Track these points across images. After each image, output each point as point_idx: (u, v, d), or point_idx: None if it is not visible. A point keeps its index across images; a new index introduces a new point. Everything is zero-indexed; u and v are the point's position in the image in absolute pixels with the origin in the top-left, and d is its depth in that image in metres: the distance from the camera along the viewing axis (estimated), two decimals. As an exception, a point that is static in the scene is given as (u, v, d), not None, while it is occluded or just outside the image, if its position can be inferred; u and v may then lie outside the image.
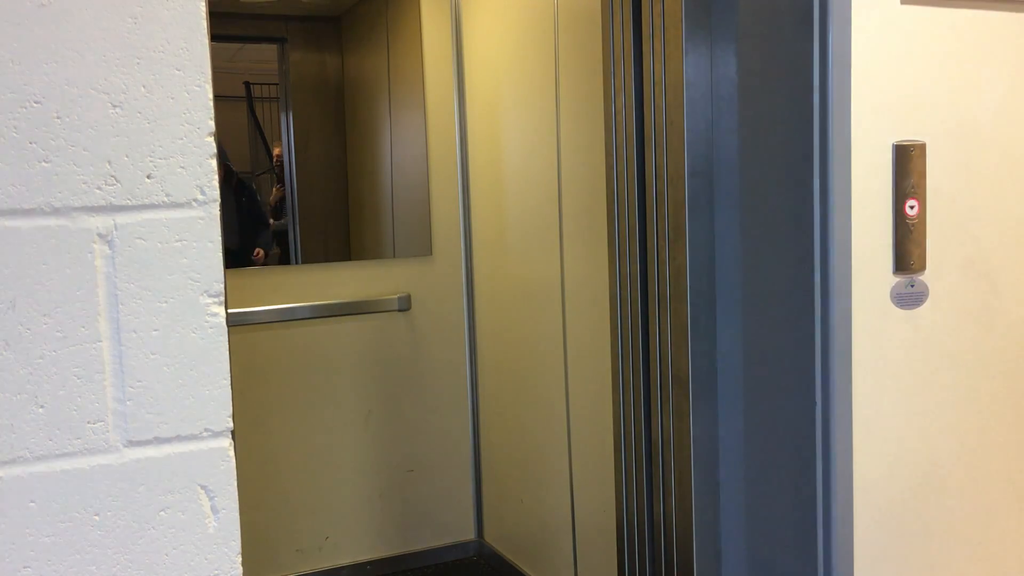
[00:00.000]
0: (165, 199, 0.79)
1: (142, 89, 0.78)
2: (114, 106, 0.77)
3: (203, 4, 0.80)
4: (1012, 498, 1.82)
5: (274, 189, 3.43)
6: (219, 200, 0.82)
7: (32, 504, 0.77)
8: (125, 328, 0.79)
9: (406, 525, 3.18)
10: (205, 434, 0.82)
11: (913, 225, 1.67)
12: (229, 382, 0.83)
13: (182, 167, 0.80)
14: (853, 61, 1.60)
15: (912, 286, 1.69)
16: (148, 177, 0.79)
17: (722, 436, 1.90)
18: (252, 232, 3.32)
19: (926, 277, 1.70)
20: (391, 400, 3.17)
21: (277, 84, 4.32)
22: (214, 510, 0.83)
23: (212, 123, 0.81)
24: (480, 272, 3.23)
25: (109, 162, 0.78)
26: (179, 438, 0.81)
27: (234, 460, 0.84)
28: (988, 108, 1.72)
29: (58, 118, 0.76)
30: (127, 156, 0.78)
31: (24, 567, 0.78)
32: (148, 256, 0.79)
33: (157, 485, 0.81)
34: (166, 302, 0.80)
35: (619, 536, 2.23)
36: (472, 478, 3.37)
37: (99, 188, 0.77)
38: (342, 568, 2.75)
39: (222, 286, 0.82)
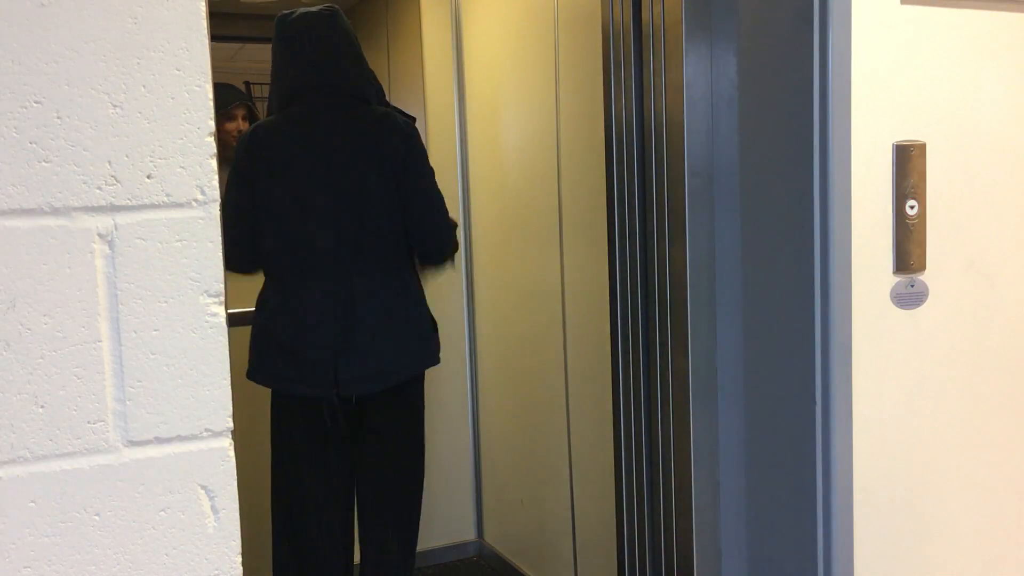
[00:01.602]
0: (165, 199, 0.79)
1: (142, 89, 0.78)
2: (114, 106, 0.77)
3: (203, 4, 0.80)
4: (1012, 498, 1.82)
5: None
6: (219, 200, 0.82)
7: (32, 504, 0.77)
8: (125, 328, 0.79)
9: (406, 525, 3.17)
10: (205, 434, 0.82)
11: (913, 225, 1.67)
12: (229, 382, 0.83)
13: (182, 167, 0.80)
14: (853, 61, 1.60)
15: (912, 286, 1.69)
16: (148, 177, 0.79)
17: (722, 436, 1.90)
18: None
19: (926, 277, 1.70)
20: (391, 400, 3.16)
21: (277, 84, 4.32)
22: (214, 510, 0.83)
23: (212, 123, 0.81)
24: (480, 272, 3.23)
25: (109, 162, 0.78)
26: (179, 438, 0.81)
27: (234, 460, 0.84)
28: (988, 108, 1.72)
29: (58, 118, 0.76)
30: (127, 156, 0.78)
31: (24, 567, 0.78)
32: (148, 256, 0.79)
33: (157, 485, 0.81)
34: (166, 302, 0.80)
35: (619, 536, 2.23)
36: (472, 478, 3.37)
37: (99, 188, 0.77)
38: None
39: (222, 286, 0.82)
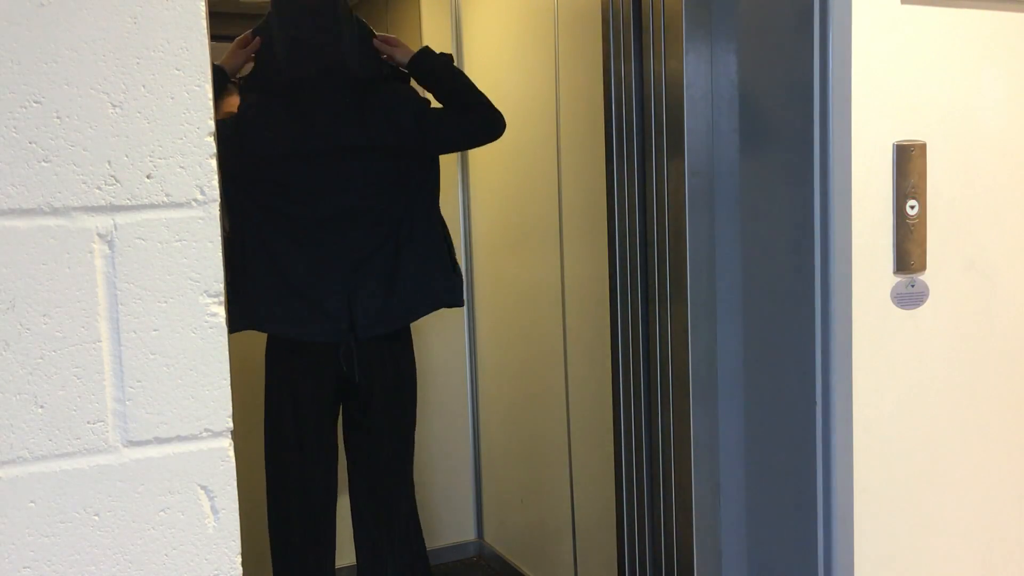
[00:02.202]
0: (165, 199, 0.79)
1: (142, 89, 0.78)
2: (114, 106, 0.77)
3: (203, 4, 0.80)
4: (1012, 498, 1.82)
5: None
6: (219, 200, 0.82)
7: (32, 504, 0.77)
8: (125, 328, 0.79)
9: (406, 525, 3.17)
10: (205, 434, 0.82)
11: (913, 225, 1.67)
12: (229, 382, 0.83)
13: (182, 167, 0.80)
14: (853, 61, 1.60)
15: (912, 286, 1.69)
16: (148, 177, 0.79)
17: (722, 436, 1.90)
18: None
19: (926, 277, 1.70)
20: (391, 400, 3.16)
21: (277, 84, 4.31)
22: (214, 510, 0.83)
23: (212, 123, 0.81)
24: (480, 272, 3.23)
25: (109, 162, 0.78)
26: (179, 438, 0.81)
27: (234, 460, 0.84)
28: (988, 108, 1.72)
29: (58, 118, 0.76)
30: (127, 156, 0.78)
31: (24, 567, 0.78)
32: (148, 256, 0.79)
33: (157, 485, 0.81)
34: (166, 302, 0.80)
35: (619, 536, 2.23)
36: (472, 478, 3.37)
37: (99, 188, 0.77)
38: (342, 568, 2.75)
39: (221, 286, 0.82)
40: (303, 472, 2.38)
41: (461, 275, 2.47)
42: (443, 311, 2.52)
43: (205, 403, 0.82)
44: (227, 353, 0.83)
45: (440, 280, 2.41)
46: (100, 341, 0.78)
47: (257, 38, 2.35)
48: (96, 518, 0.79)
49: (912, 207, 1.66)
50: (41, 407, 0.77)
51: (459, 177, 3.26)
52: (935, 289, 1.70)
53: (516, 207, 2.95)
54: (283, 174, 2.30)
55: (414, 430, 2.53)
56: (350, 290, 2.29)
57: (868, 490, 1.69)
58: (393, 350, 2.41)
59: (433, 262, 2.40)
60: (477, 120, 2.38)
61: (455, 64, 2.44)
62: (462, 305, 2.48)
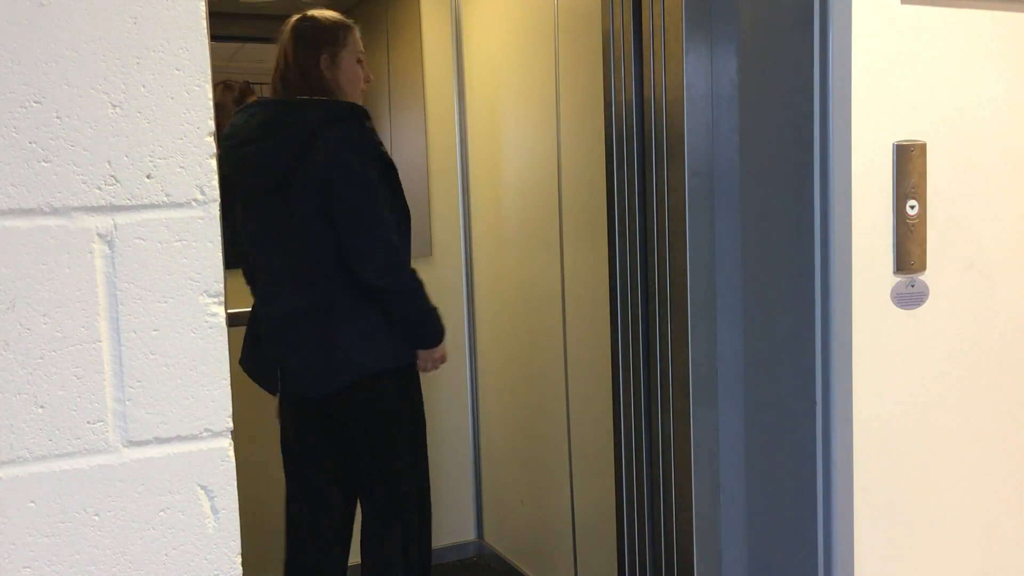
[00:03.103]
0: (165, 199, 0.79)
1: (142, 89, 0.78)
2: (114, 106, 0.77)
3: (203, 4, 0.80)
4: (1012, 497, 1.82)
5: None
6: (219, 200, 0.82)
7: (32, 504, 0.77)
8: (125, 328, 0.79)
9: (406, 525, 3.17)
10: (205, 434, 0.82)
11: (913, 225, 1.67)
12: (229, 382, 0.83)
13: (182, 167, 0.80)
14: (853, 61, 1.60)
15: (912, 286, 1.69)
16: (148, 177, 0.79)
17: (722, 437, 1.90)
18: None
19: (926, 277, 1.70)
20: (391, 400, 3.16)
21: (277, 84, 4.31)
22: (214, 510, 0.83)
23: (212, 123, 0.81)
24: (480, 272, 3.23)
25: (109, 162, 0.77)
26: (179, 438, 0.81)
27: (234, 460, 0.84)
28: (988, 108, 1.72)
29: (58, 118, 0.76)
30: (127, 156, 0.78)
31: (24, 567, 0.78)
32: (148, 256, 0.79)
33: (157, 485, 0.81)
34: (166, 302, 0.80)
35: (619, 536, 2.23)
36: (472, 478, 3.37)
37: (99, 188, 0.77)
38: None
39: (222, 286, 0.82)
40: (303, 482, 2.49)
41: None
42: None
43: (205, 403, 0.82)
44: (227, 353, 0.83)
45: (379, 343, 2.27)
46: (100, 341, 0.78)
47: None
48: (96, 518, 0.79)
49: (912, 207, 1.66)
50: (41, 407, 0.77)
51: (459, 177, 3.26)
52: (935, 289, 1.70)
53: (516, 207, 2.95)
54: (242, 218, 2.36)
55: (405, 446, 2.45)
56: (282, 350, 2.32)
57: (868, 490, 1.69)
58: (352, 408, 2.34)
59: (354, 322, 2.25)
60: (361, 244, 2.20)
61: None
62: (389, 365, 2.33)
